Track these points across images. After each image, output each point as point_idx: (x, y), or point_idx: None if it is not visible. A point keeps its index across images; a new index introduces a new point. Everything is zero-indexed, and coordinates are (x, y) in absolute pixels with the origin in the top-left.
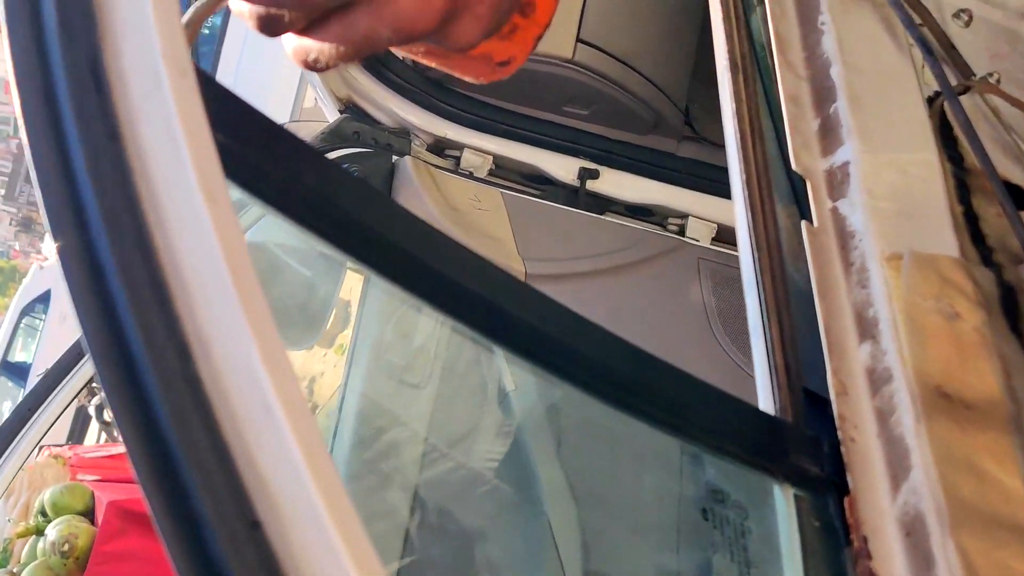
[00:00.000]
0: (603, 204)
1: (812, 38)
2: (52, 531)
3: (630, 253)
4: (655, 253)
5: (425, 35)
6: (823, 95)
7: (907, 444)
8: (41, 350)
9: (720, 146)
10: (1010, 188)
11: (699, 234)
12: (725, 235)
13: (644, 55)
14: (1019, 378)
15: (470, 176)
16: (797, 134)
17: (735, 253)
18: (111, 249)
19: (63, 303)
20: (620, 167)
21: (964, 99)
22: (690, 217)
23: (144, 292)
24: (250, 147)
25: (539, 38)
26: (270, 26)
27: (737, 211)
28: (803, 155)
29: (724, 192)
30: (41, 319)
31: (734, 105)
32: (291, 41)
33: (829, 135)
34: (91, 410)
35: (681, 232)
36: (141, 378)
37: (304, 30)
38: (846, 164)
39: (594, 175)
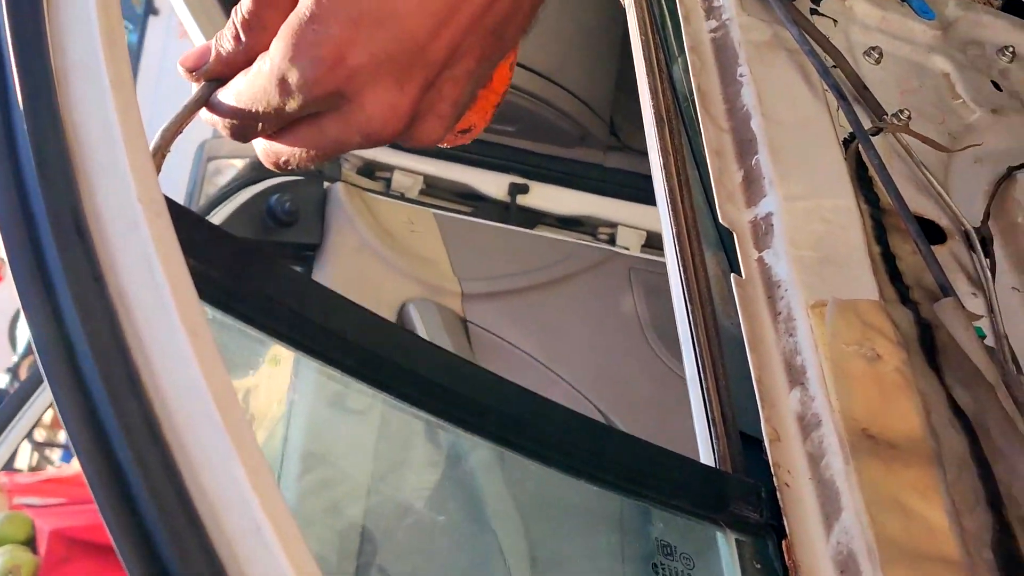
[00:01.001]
0: (534, 218)
1: (732, 90)
2: None
3: (563, 267)
4: (587, 265)
5: (392, 139)
6: (745, 147)
7: (837, 486)
8: None
9: (644, 154)
10: (925, 223)
11: (629, 242)
12: (654, 241)
13: (567, 70)
14: (938, 414)
15: (401, 197)
16: (722, 187)
17: (664, 260)
18: (104, 388)
19: None
20: (549, 180)
21: (878, 139)
22: (619, 226)
23: (135, 423)
24: (222, 269)
25: (497, 106)
26: (243, 134)
27: (670, 266)
28: (728, 208)
29: (651, 200)
30: None
31: (661, 159)
32: (261, 144)
33: (752, 187)
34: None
35: (611, 241)
36: (136, 502)
37: (275, 135)
38: (769, 215)
39: (524, 190)
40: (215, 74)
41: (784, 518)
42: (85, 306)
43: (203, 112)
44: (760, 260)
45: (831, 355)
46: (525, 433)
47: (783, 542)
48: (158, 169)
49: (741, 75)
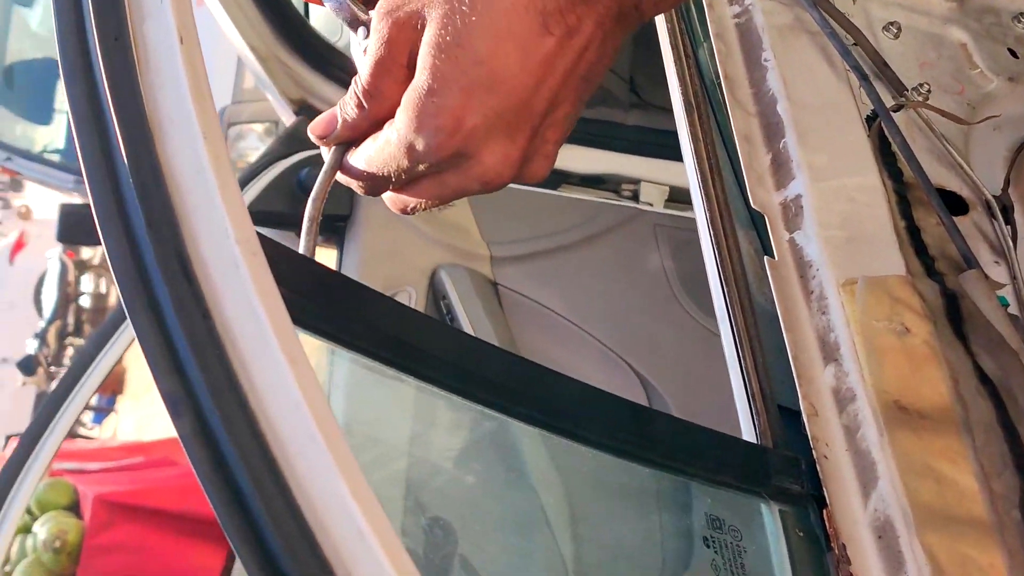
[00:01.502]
0: (558, 178)
1: (757, 75)
2: (41, 529)
3: (589, 227)
4: (612, 224)
5: (507, 184)
6: (772, 131)
7: (873, 457)
8: None
9: (665, 110)
10: (947, 195)
11: (652, 198)
12: (677, 195)
13: None
14: (965, 382)
15: None
16: (752, 171)
17: (689, 215)
18: (219, 418)
19: (10, 291)
20: (571, 140)
21: (900, 114)
22: (642, 182)
23: (251, 450)
24: (312, 296)
25: None
26: (375, 191)
27: (704, 248)
28: (759, 191)
29: (672, 155)
30: None
31: (692, 145)
32: (389, 194)
33: (781, 170)
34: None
35: (635, 197)
36: (253, 514)
37: (402, 189)
38: (798, 197)
39: None
40: (343, 139)
41: (824, 488)
42: (196, 341)
43: (340, 176)
44: (791, 241)
45: (862, 331)
46: (580, 423)
47: (824, 511)
48: (313, 241)
49: (766, 60)
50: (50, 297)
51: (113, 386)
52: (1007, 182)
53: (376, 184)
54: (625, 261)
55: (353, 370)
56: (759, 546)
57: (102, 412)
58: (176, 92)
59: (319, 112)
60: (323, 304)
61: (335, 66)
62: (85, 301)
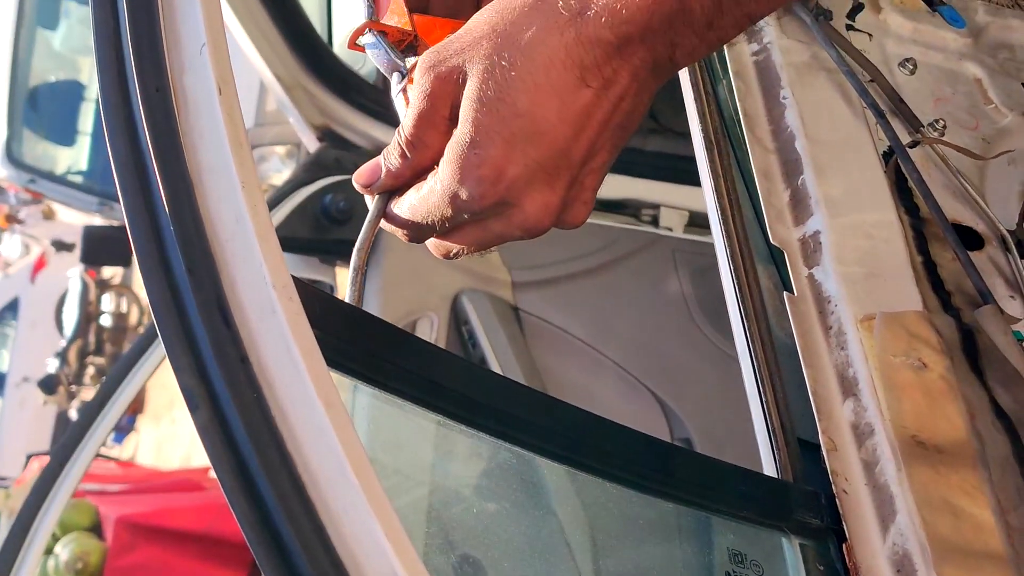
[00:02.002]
0: None
1: (776, 112)
2: (63, 550)
3: (609, 252)
4: (632, 250)
5: (547, 230)
6: (791, 168)
7: (891, 491)
8: (15, 358)
9: (683, 135)
10: (963, 230)
11: (672, 222)
12: (697, 220)
13: None
14: (981, 417)
15: None
16: (771, 207)
17: (709, 240)
18: (257, 461)
19: (32, 309)
20: None
21: (916, 150)
22: (662, 207)
23: (286, 490)
24: (346, 338)
25: None
26: (419, 238)
27: (725, 283)
28: (778, 228)
29: (691, 180)
30: (11, 327)
31: (712, 181)
32: (433, 241)
33: (799, 206)
34: (73, 413)
35: (655, 222)
36: (290, 554)
37: (445, 236)
38: (817, 233)
39: None
40: (387, 188)
41: (844, 523)
42: (235, 386)
43: (384, 224)
44: (810, 277)
45: (880, 366)
46: (603, 458)
47: (844, 545)
48: (359, 291)
49: (784, 97)
50: (71, 316)
51: (134, 406)
52: (1022, 216)
53: (420, 232)
54: (645, 286)
55: (374, 401)
56: None
57: (122, 431)
58: (216, 142)
59: (342, 138)
60: (358, 346)
61: (358, 93)
62: (106, 320)
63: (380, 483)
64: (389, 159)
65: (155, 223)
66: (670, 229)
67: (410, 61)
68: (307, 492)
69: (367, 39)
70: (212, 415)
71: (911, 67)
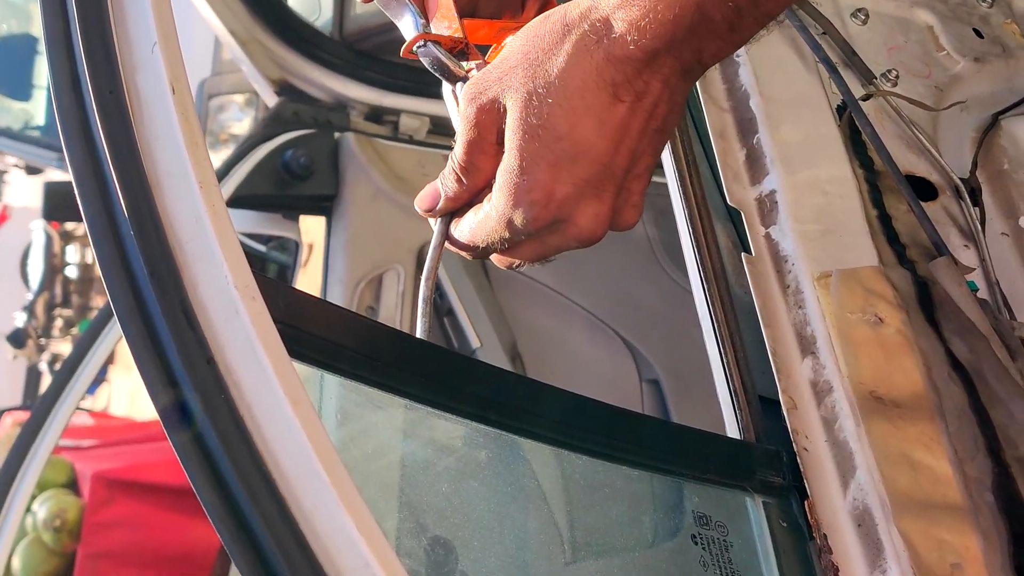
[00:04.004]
0: None
1: (730, 70)
2: (40, 508)
3: None
4: None
5: (602, 238)
6: (745, 127)
7: (851, 447)
8: None
9: None
10: (917, 181)
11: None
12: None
13: None
14: (937, 369)
15: (410, 140)
16: (727, 167)
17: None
18: (227, 460)
19: None
20: None
21: (870, 103)
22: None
23: (257, 487)
24: (307, 328)
25: None
26: (482, 256)
27: (684, 244)
28: (735, 188)
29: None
30: None
31: (669, 144)
32: (496, 256)
33: (755, 165)
34: (43, 366)
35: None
36: (266, 555)
37: (506, 252)
38: (773, 192)
39: None
40: (447, 211)
41: (805, 480)
42: (202, 388)
43: (448, 246)
44: (767, 236)
45: (837, 324)
46: (569, 431)
47: (805, 502)
48: (429, 322)
49: (737, 56)
50: (36, 269)
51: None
52: (974, 164)
53: (483, 252)
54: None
55: (344, 390)
56: (745, 539)
57: (95, 383)
58: (171, 143)
59: (300, 92)
60: (323, 337)
61: (314, 46)
62: (72, 272)
63: (349, 476)
64: (446, 184)
65: (115, 228)
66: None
67: (466, 66)
68: (278, 489)
69: (422, 48)
70: (180, 417)
71: (863, 17)
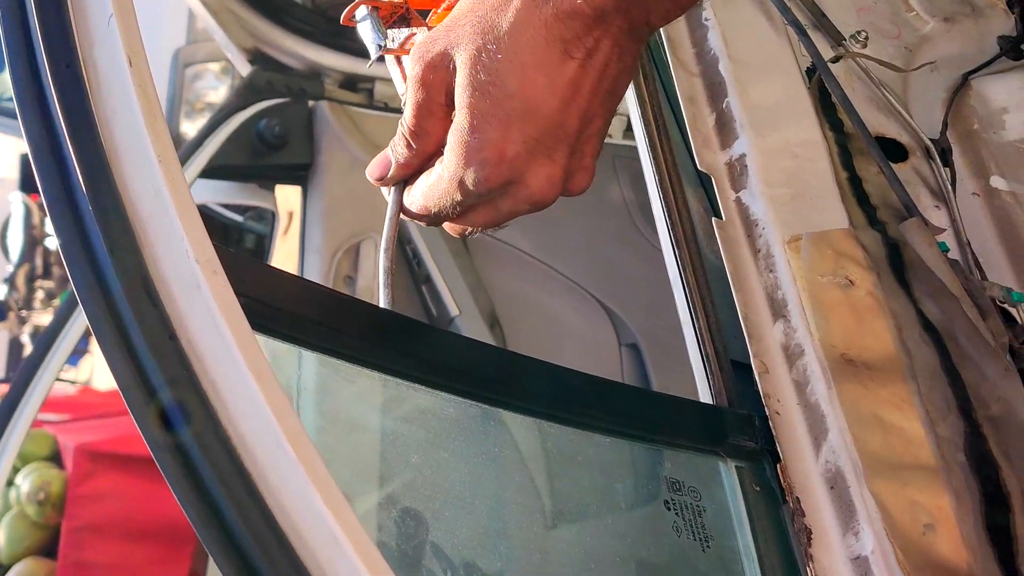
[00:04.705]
0: None
1: (699, 34)
2: (24, 481)
3: None
4: None
5: (554, 201)
6: (715, 91)
7: (822, 410)
8: None
9: None
10: (887, 143)
11: (612, 129)
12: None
13: None
14: (908, 330)
15: (385, 108)
16: (697, 132)
17: None
18: (192, 436)
19: None
20: None
21: (839, 65)
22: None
23: (222, 463)
24: (276, 303)
25: None
26: (435, 222)
27: (655, 209)
28: (705, 152)
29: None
30: None
31: (639, 108)
32: (448, 223)
33: (725, 130)
34: (25, 338)
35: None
36: (232, 531)
37: (458, 218)
38: (743, 156)
39: None
40: (398, 179)
41: (777, 443)
42: (165, 364)
43: (404, 217)
44: (738, 201)
45: (808, 287)
46: (541, 400)
47: (778, 465)
48: (391, 292)
49: (706, 19)
50: (16, 241)
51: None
52: (945, 124)
53: (435, 218)
54: (587, 193)
55: (321, 369)
56: (718, 504)
57: (77, 354)
58: (130, 117)
59: (273, 60)
60: (288, 310)
61: (287, 14)
62: (52, 243)
63: (316, 450)
64: (396, 151)
65: (74, 205)
66: (610, 136)
67: (397, 33)
68: (244, 465)
69: (360, 14)
70: (144, 394)
71: None
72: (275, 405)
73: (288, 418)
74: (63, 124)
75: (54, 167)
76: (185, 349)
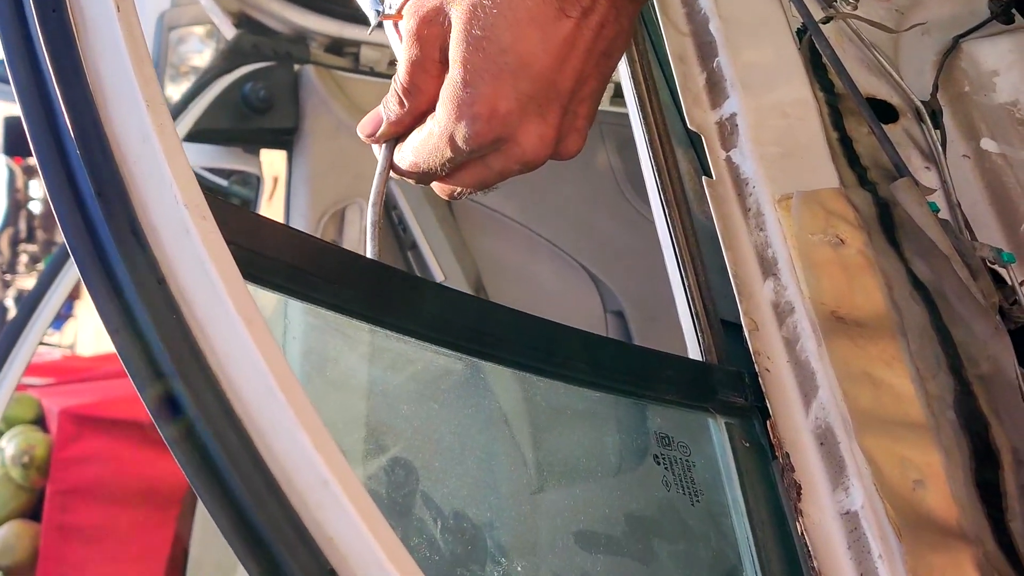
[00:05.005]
0: None
1: None
2: (8, 444)
3: None
4: None
5: (544, 162)
6: (705, 50)
7: (812, 367)
8: None
9: None
10: (877, 104)
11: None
12: (622, 92)
13: None
14: (899, 288)
15: (371, 72)
16: (687, 91)
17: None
18: (181, 380)
19: None
20: None
21: (830, 25)
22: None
23: (211, 407)
24: (265, 251)
25: None
26: (426, 181)
27: (645, 169)
28: (695, 111)
29: None
30: None
31: (628, 67)
32: (437, 183)
33: (715, 88)
34: (9, 302)
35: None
36: (223, 476)
37: (448, 176)
38: (733, 115)
39: None
40: (389, 136)
41: (767, 400)
42: (154, 308)
43: (392, 175)
44: (728, 160)
45: (799, 245)
46: (531, 354)
47: (768, 422)
48: (378, 245)
49: None
50: None
51: (72, 292)
52: (935, 87)
53: (425, 176)
54: (573, 160)
55: (309, 319)
56: (707, 459)
57: (61, 318)
58: (117, 61)
59: (259, 24)
60: (278, 259)
61: None
62: (35, 207)
63: (306, 394)
64: (388, 107)
65: (61, 149)
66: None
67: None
68: (234, 409)
69: None
70: (133, 338)
71: None
72: (265, 350)
73: (278, 363)
74: (50, 68)
75: (41, 111)
76: (174, 293)
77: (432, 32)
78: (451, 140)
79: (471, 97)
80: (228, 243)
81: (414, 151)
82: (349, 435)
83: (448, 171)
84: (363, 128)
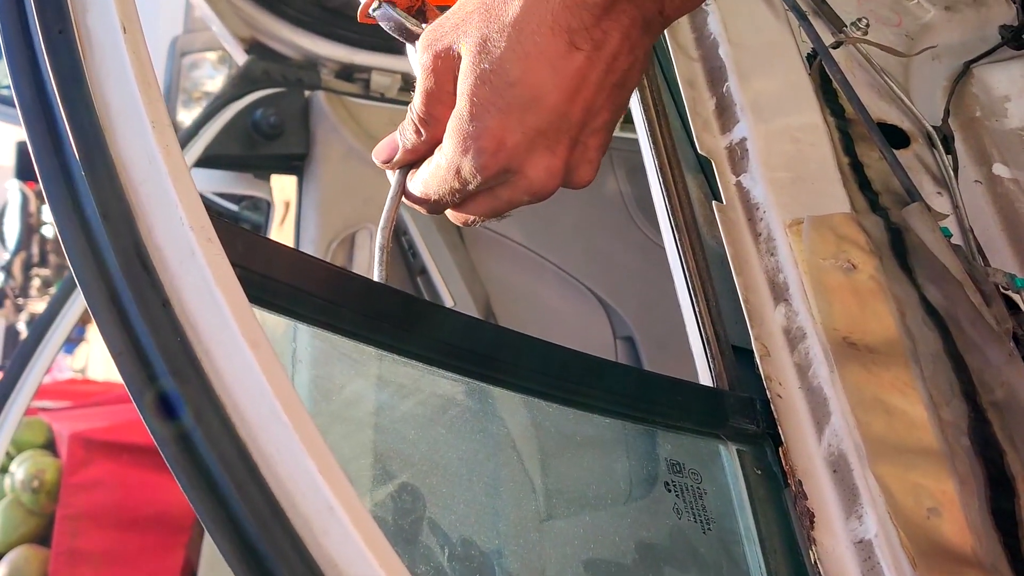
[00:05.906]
0: None
1: (699, 19)
2: (18, 469)
3: None
4: None
5: (554, 192)
6: (715, 75)
7: (825, 393)
8: None
9: None
10: (888, 129)
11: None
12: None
13: None
14: (911, 314)
15: (381, 98)
16: (697, 116)
17: None
18: (185, 404)
19: None
20: None
21: (840, 51)
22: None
23: (216, 432)
24: (271, 275)
25: None
26: (436, 211)
27: (655, 194)
28: (705, 136)
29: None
30: None
31: (638, 93)
32: (450, 211)
33: (725, 114)
34: (22, 326)
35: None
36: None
37: (460, 206)
38: (743, 140)
39: None
40: (404, 163)
41: (779, 427)
42: (158, 332)
43: (405, 202)
44: (738, 184)
45: (810, 270)
46: (541, 379)
47: (780, 449)
48: (386, 269)
49: (707, 3)
50: (12, 229)
51: (84, 316)
52: (947, 112)
53: (436, 206)
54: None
55: (316, 343)
56: (719, 487)
57: (73, 342)
58: (123, 83)
59: (270, 50)
60: (283, 282)
61: (284, 3)
62: (48, 231)
63: (311, 419)
64: (404, 135)
65: (67, 170)
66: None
67: (425, 27)
68: (238, 433)
69: (378, 10)
70: (137, 362)
71: None
72: (271, 374)
73: (284, 387)
74: (55, 89)
75: (46, 132)
76: (179, 316)
77: (445, 64)
78: (458, 172)
79: (477, 131)
80: (234, 266)
81: (424, 182)
82: (355, 461)
83: (458, 201)
84: (378, 154)
